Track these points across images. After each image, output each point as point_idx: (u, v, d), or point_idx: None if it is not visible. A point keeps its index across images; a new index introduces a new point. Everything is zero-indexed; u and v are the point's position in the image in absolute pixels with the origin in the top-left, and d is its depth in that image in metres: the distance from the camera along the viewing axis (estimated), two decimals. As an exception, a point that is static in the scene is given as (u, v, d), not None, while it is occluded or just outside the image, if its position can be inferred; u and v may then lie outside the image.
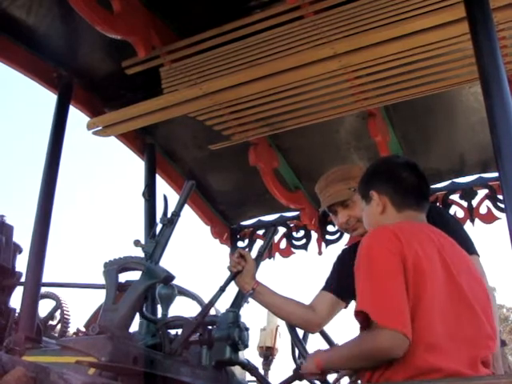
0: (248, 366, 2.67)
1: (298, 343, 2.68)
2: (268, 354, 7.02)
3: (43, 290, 3.56)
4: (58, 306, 4.20)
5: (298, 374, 2.47)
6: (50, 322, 4.22)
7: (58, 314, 4.22)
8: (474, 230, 3.69)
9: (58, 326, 4.20)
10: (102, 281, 2.53)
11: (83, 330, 3.85)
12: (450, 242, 1.98)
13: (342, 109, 3.01)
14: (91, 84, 3.37)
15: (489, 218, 3.65)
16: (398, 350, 1.69)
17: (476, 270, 1.98)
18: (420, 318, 1.71)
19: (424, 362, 1.67)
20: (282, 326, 7.38)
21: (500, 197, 3.60)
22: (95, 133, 3.34)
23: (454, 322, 1.75)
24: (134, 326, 2.70)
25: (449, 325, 1.73)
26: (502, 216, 3.60)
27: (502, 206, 3.58)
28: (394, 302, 1.73)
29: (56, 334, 4.04)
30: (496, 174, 3.60)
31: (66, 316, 4.15)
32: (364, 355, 1.79)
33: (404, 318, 1.70)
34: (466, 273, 1.87)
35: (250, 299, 2.65)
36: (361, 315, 1.78)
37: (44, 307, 4.15)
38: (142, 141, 3.71)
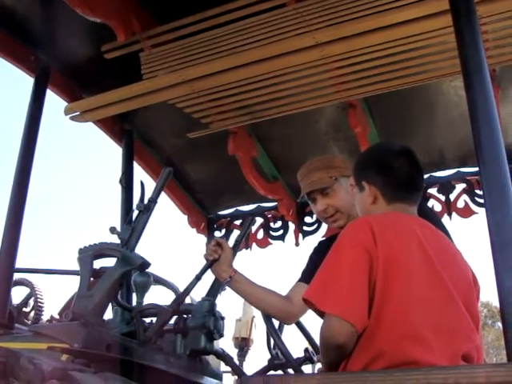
0: (223, 356, 2.66)
1: (273, 334, 2.66)
2: (243, 344, 7.05)
3: (17, 276, 3.51)
4: (32, 292, 4.15)
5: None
6: (24, 309, 4.16)
7: (31, 300, 4.16)
8: (451, 224, 3.71)
9: (32, 313, 4.15)
10: (76, 267, 2.50)
11: (57, 317, 3.81)
12: (433, 233, 1.98)
13: (322, 99, 3.00)
14: (69, 68, 3.31)
15: (466, 213, 3.67)
16: (339, 335, 1.69)
17: (463, 262, 1.98)
18: (393, 309, 1.71)
19: (401, 354, 1.66)
20: (258, 317, 7.40)
21: (477, 191, 3.63)
22: (72, 118, 3.30)
23: (434, 313, 1.74)
24: (109, 314, 2.68)
25: (428, 316, 1.72)
26: (479, 210, 3.62)
27: (480, 200, 3.60)
28: (339, 290, 1.74)
29: (29, 322, 3.99)
30: (474, 169, 3.63)
31: (39, 303, 4.10)
32: (321, 345, 1.80)
33: (347, 305, 1.70)
34: (450, 265, 1.86)
35: (226, 287, 2.64)
36: (308, 303, 1.80)
37: (18, 294, 4.09)
38: (120, 127, 3.66)
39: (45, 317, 4.07)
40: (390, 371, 1.52)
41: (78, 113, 3.27)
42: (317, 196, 2.69)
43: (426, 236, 1.87)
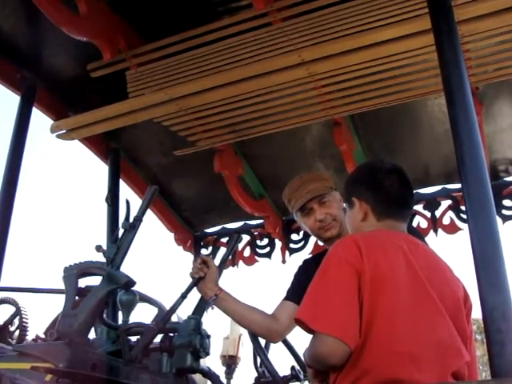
0: (209, 374, 2.64)
1: (259, 352, 2.65)
2: (230, 362, 7.00)
3: (1, 294, 3.48)
4: (17, 311, 4.11)
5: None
6: (9, 328, 4.12)
7: (16, 319, 4.13)
8: (437, 241, 3.72)
9: (17, 332, 4.11)
10: (61, 285, 2.49)
11: (43, 336, 3.77)
12: (422, 250, 1.98)
13: (308, 117, 3.02)
14: (55, 86, 3.32)
15: (452, 229, 3.69)
16: (334, 355, 1.69)
17: (452, 278, 1.98)
18: (380, 326, 1.70)
19: (387, 372, 1.66)
20: (245, 334, 7.37)
21: (463, 208, 3.64)
22: (59, 136, 3.29)
23: (422, 329, 1.73)
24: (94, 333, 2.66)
25: (415, 332, 1.72)
26: (465, 227, 3.64)
27: (465, 216, 3.61)
28: (332, 309, 1.74)
29: (14, 341, 3.96)
30: (459, 185, 3.64)
31: (24, 322, 4.05)
32: (311, 361, 1.81)
33: (341, 324, 1.70)
34: (438, 281, 1.86)
35: (213, 306, 2.63)
36: (300, 323, 1.79)
37: (2, 313, 4.06)
38: (106, 145, 3.66)
39: (30, 336, 4.03)
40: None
41: (64, 131, 3.27)
42: (314, 205, 2.68)
43: (413, 253, 1.87)
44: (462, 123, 1.89)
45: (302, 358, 2.38)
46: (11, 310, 4.10)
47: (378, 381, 1.64)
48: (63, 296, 2.42)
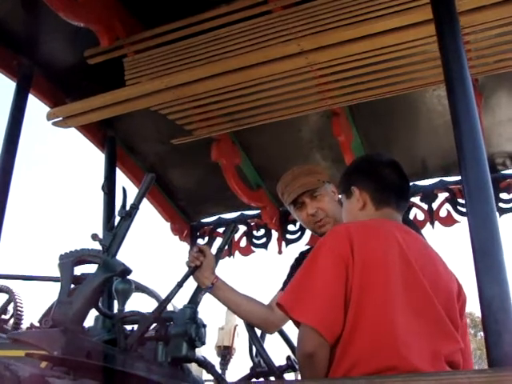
0: (204, 364, 2.63)
1: (255, 342, 2.65)
2: (226, 353, 7.01)
3: (-4, 282, 3.47)
4: (11, 299, 4.10)
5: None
6: (3, 317, 4.11)
7: (11, 307, 4.11)
8: (434, 234, 3.72)
9: (11, 321, 4.09)
10: (57, 273, 2.48)
11: (37, 324, 3.76)
12: (416, 240, 1.99)
13: (306, 107, 3.00)
14: (52, 73, 3.29)
15: (448, 221, 3.69)
16: (307, 344, 1.73)
17: (445, 270, 1.99)
18: (370, 315, 1.72)
19: (379, 360, 1.67)
20: (241, 325, 7.40)
21: (460, 200, 3.64)
22: (55, 124, 3.27)
23: (412, 318, 1.75)
24: (90, 321, 2.65)
25: (406, 321, 1.73)
26: (462, 219, 3.64)
27: (462, 209, 3.62)
28: (312, 298, 1.76)
29: (9, 329, 3.94)
30: (456, 178, 3.65)
31: (19, 310, 4.04)
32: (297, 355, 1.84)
33: (318, 314, 1.73)
34: (431, 271, 1.88)
35: (206, 294, 2.62)
36: (282, 309, 1.82)
37: (-4, 301, 4.04)
38: (102, 133, 3.64)
39: (25, 324, 4.02)
40: (370, 377, 1.52)
41: (60, 118, 3.25)
42: (306, 199, 2.68)
43: (407, 242, 1.88)
44: (463, 114, 1.88)
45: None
46: (5, 298, 4.09)
47: (371, 369, 1.65)
48: (58, 284, 2.42)
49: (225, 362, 6.95)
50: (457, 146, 1.86)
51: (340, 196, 2.27)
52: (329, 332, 1.70)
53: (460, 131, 1.86)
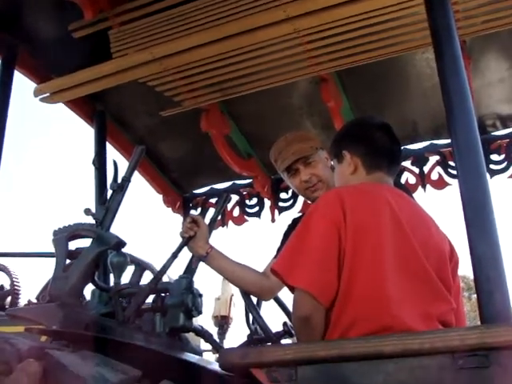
0: (202, 333, 2.66)
1: (251, 309, 2.67)
2: (223, 323, 7.09)
3: (-9, 260, 3.49)
4: (8, 277, 4.11)
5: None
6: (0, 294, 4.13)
7: (8, 285, 4.13)
8: (426, 197, 3.74)
9: (9, 298, 4.11)
10: (52, 249, 2.48)
11: (35, 301, 3.78)
12: (407, 203, 2.01)
13: (294, 73, 2.98)
14: (37, 49, 3.24)
15: (440, 184, 3.70)
16: (302, 308, 1.76)
17: (437, 231, 2.01)
18: (364, 277, 1.74)
19: (374, 320, 1.71)
20: (237, 295, 7.45)
21: (451, 163, 3.65)
22: (42, 100, 3.24)
23: (406, 280, 1.77)
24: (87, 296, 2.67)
25: (398, 282, 1.75)
26: (453, 182, 3.65)
27: (453, 172, 3.63)
28: (303, 262, 1.78)
29: (7, 307, 3.96)
30: (447, 141, 3.65)
31: (16, 287, 4.07)
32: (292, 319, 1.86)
33: (311, 277, 1.75)
34: (422, 233, 1.90)
35: (201, 264, 2.64)
36: (276, 275, 1.85)
37: (-8, 279, 4.05)
38: (91, 108, 3.61)
39: (22, 301, 4.04)
40: (367, 338, 1.55)
41: (47, 94, 3.22)
42: (300, 166, 2.70)
43: (399, 205, 1.90)
44: (451, 76, 1.89)
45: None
46: (2, 276, 4.10)
47: (366, 329, 1.69)
48: (54, 259, 2.43)
49: (222, 332, 7.02)
50: (446, 109, 1.87)
51: (332, 162, 2.27)
52: (323, 295, 1.73)
53: (449, 93, 1.87)
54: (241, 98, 3.20)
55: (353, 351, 1.51)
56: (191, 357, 2.18)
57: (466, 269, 2.03)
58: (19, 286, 4.04)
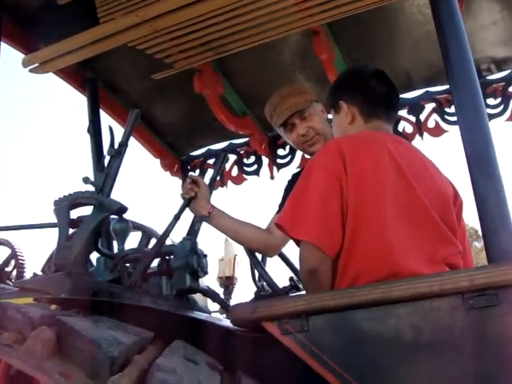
0: (209, 293, 2.68)
1: (257, 266, 2.69)
2: (228, 283, 7.14)
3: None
4: (12, 251, 4.13)
5: None
6: (6, 269, 4.15)
7: (12, 260, 4.15)
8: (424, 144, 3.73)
9: (14, 273, 4.14)
10: (53, 219, 2.48)
11: (40, 273, 3.80)
12: (408, 149, 2.00)
13: (286, 27, 2.93)
14: (22, 18, 3.18)
15: (437, 132, 3.68)
16: (309, 260, 1.77)
17: (439, 176, 2.01)
18: (368, 226, 1.75)
19: (381, 267, 1.71)
20: (240, 255, 7.49)
21: (447, 110, 3.64)
22: (32, 70, 3.19)
23: (410, 225, 1.78)
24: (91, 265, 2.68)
25: (404, 228, 1.76)
26: (450, 129, 3.64)
27: (450, 118, 3.62)
28: (307, 214, 1.79)
29: (12, 281, 3.98)
30: (442, 88, 3.63)
31: (20, 261, 4.09)
32: (299, 272, 1.86)
33: (316, 229, 1.75)
34: (424, 178, 1.90)
35: (204, 224, 2.64)
36: (281, 228, 1.84)
37: (-3, 254, 4.08)
38: (82, 76, 3.58)
39: (28, 274, 4.06)
40: (376, 284, 1.56)
41: (36, 64, 3.17)
42: (296, 120, 2.69)
43: (399, 151, 1.89)
44: (446, 19, 1.87)
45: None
46: (6, 251, 4.12)
47: (374, 278, 1.69)
48: (56, 230, 2.43)
49: (228, 292, 7.08)
50: (442, 53, 1.85)
51: (329, 114, 2.26)
52: (329, 246, 1.73)
53: (445, 38, 1.86)
54: (233, 56, 3.16)
55: (362, 298, 1.52)
56: (201, 315, 2.20)
57: (466, 218, 2.05)
58: (24, 260, 4.06)
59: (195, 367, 1.60)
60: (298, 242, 1.85)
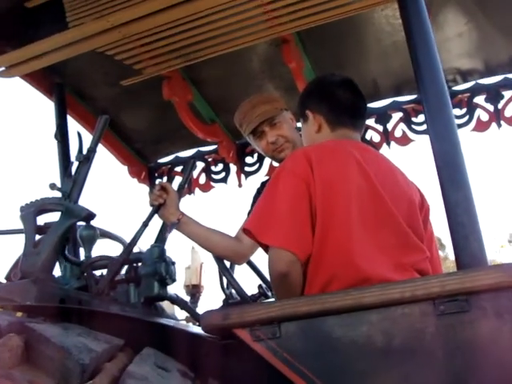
0: (177, 301, 2.67)
1: (225, 273, 2.68)
2: (194, 291, 7.11)
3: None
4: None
5: None
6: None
7: (-26, 267, 4.07)
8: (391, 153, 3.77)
9: (-24, 280, 4.05)
10: (19, 226, 2.45)
11: (5, 281, 3.73)
12: (374, 156, 2.02)
13: (255, 35, 2.93)
14: (-12, 21, 3.15)
15: (404, 141, 3.73)
16: (279, 264, 1.76)
17: (405, 182, 2.04)
18: (336, 231, 1.77)
19: (352, 273, 1.73)
20: (207, 263, 7.48)
21: (414, 119, 3.69)
22: (-1, 74, 3.16)
23: (377, 232, 1.80)
24: (57, 272, 2.64)
25: (372, 235, 1.78)
26: (416, 138, 3.69)
27: (417, 128, 3.68)
28: (275, 219, 1.80)
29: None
30: (409, 97, 3.69)
31: (-17, 268, 4.01)
32: (270, 277, 1.85)
33: (285, 233, 1.76)
34: (390, 185, 1.92)
35: (174, 231, 2.63)
36: (248, 234, 1.84)
37: (-42, 261, 3.99)
38: (49, 81, 3.52)
39: (-10, 282, 3.98)
40: (348, 291, 1.57)
41: (3, 68, 3.12)
42: (265, 128, 2.71)
43: (365, 159, 1.92)
44: (417, 29, 1.90)
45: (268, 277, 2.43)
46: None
47: (345, 283, 1.71)
48: (22, 236, 2.39)
49: (194, 301, 7.05)
50: (413, 63, 1.88)
51: (298, 123, 2.29)
52: (299, 249, 1.74)
53: (415, 47, 1.88)
54: (202, 64, 3.16)
55: (334, 305, 1.53)
56: (170, 322, 2.18)
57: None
58: (-14, 267, 3.99)
59: (166, 374, 1.58)
60: (266, 248, 1.85)
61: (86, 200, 2.52)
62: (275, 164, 3.71)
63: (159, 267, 2.49)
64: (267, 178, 3.32)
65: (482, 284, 1.44)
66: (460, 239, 1.58)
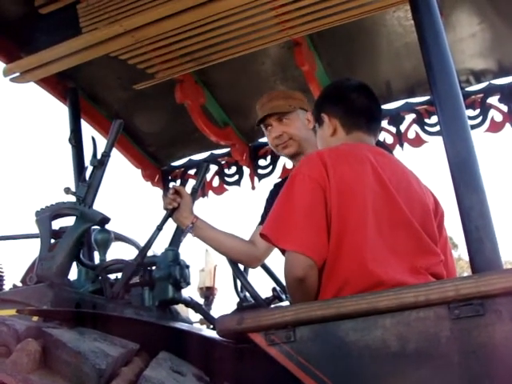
0: (192, 304, 2.67)
1: (240, 276, 2.69)
2: (208, 294, 7.09)
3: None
4: (-10, 262, 4.07)
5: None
6: (-17, 280, 4.09)
7: (-9, 271, 4.09)
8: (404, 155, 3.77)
9: (-7, 284, 4.07)
10: (35, 230, 2.46)
11: (20, 285, 3.75)
12: (389, 160, 2.02)
13: (268, 39, 2.95)
14: (3, 27, 3.16)
15: (417, 142, 3.72)
16: (296, 269, 1.75)
17: (419, 186, 2.03)
18: (351, 236, 1.76)
19: (366, 277, 1.73)
20: (220, 265, 7.49)
21: (427, 120, 3.68)
22: (13, 80, 3.17)
23: (392, 236, 1.80)
24: (73, 275, 2.66)
25: (386, 239, 1.78)
26: (430, 139, 3.68)
27: (430, 129, 3.66)
28: (293, 223, 1.80)
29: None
30: (422, 99, 3.68)
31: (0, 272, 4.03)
32: (285, 282, 1.86)
33: (302, 238, 1.76)
34: (405, 189, 1.92)
35: (188, 235, 2.64)
36: (266, 239, 1.85)
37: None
38: (63, 85, 3.55)
39: (7, 286, 4.01)
40: (362, 295, 1.57)
41: (17, 73, 3.15)
42: (273, 122, 2.73)
43: (380, 163, 1.92)
44: (429, 30, 1.89)
45: (283, 280, 2.43)
46: (-16, 261, 4.05)
47: (359, 288, 1.71)
48: (38, 240, 2.41)
49: (208, 303, 7.03)
50: (425, 64, 1.87)
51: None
52: (316, 254, 1.74)
53: (427, 48, 1.88)
54: (215, 67, 3.18)
55: (349, 309, 1.53)
56: (185, 326, 2.19)
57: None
58: (3, 271, 4.01)
59: (182, 379, 1.59)
60: (283, 251, 1.85)
61: (100, 204, 2.53)
62: (288, 166, 3.72)
63: (173, 271, 2.50)
64: (280, 180, 3.32)
65: (497, 288, 1.43)
66: (474, 243, 1.58)
